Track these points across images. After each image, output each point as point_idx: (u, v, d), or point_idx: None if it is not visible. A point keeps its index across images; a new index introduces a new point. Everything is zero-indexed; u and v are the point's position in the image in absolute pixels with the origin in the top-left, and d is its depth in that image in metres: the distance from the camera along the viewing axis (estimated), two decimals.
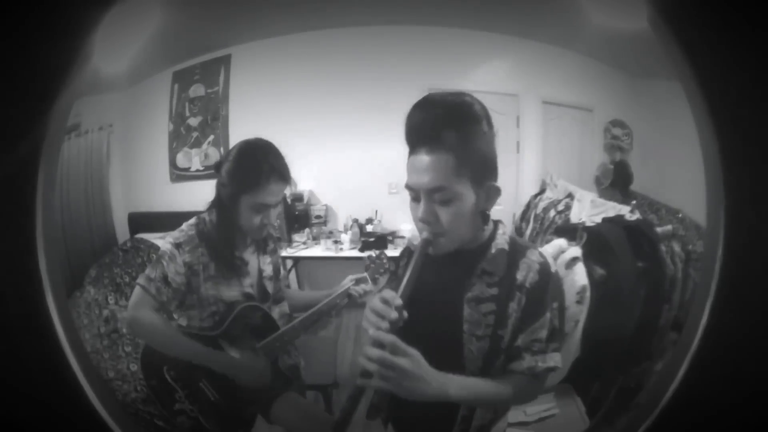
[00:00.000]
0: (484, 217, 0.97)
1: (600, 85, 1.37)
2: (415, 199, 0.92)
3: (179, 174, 1.45)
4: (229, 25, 1.35)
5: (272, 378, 1.23)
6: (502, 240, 0.97)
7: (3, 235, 0.75)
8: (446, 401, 0.86)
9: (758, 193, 0.73)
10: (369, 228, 1.50)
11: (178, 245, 1.17)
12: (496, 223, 0.99)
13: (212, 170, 1.22)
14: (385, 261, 1.26)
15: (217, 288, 1.19)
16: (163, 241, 1.20)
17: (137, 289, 1.17)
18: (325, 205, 1.52)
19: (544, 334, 0.92)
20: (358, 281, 1.24)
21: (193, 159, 1.44)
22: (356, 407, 0.88)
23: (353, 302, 1.23)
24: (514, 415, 1.12)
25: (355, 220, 1.50)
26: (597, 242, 1.29)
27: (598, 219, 1.33)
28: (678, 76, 0.79)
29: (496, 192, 0.93)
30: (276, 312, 1.26)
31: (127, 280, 1.35)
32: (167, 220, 1.31)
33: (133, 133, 1.41)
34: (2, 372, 0.77)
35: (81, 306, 1.32)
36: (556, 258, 1.23)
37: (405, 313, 0.86)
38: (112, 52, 0.92)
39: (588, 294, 1.23)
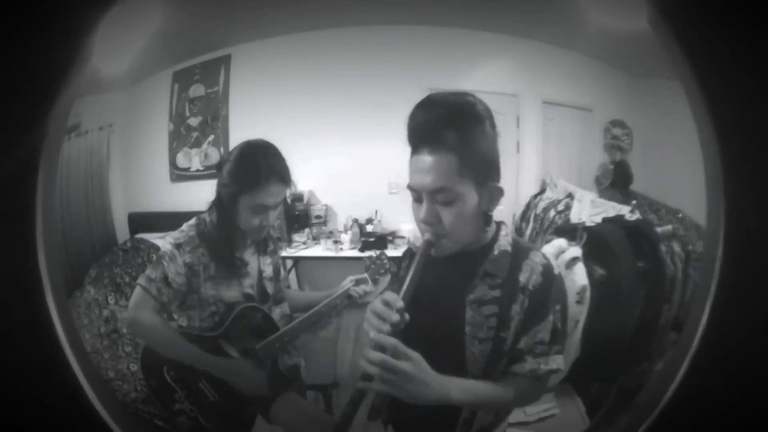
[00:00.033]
0: (487, 218, 0.96)
1: (600, 85, 1.37)
2: (417, 199, 0.91)
3: (179, 174, 1.44)
4: (229, 25, 1.35)
5: (270, 384, 1.22)
6: (504, 241, 0.96)
7: (3, 235, 0.75)
8: (448, 404, 0.85)
9: (758, 193, 0.73)
10: (369, 228, 1.50)
11: (178, 246, 1.17)
12: (499, 224, 0.98)
13: (213, 170, 1.22)
14: (385, 261, 1.26)
15: (217, 288, 1.19)
16: (163, 241, 1.20)
17: (138, 290, 1.17)
18: (325, 205, 1.52)
19: (546, 336, 0.92)
20: (358, 282, 1.24)
21: (193, 159, 1.44)
22: (357, 411, 0.88)
23: (353, 303, 1.23)
24: (514, 415, 1.12)
25: (355, 220, 1.50)
26: (597, 242, 1.29)
27: (598, 219, 1.33)
28: (678, 75, 0.79)
29: (499, 193, 0.92)
30: (277, 313, 1.26)
31: (127, 280, 1.35)
32: (167, 220, 1.31)
33: (133, 133, 1.41)
34: (2, 372, 0.77)
35: (81, 306, 1.32)
36: (556, 258, 1.23)
37: (407, 316, 0.85)
38: (112, 52, 0.92)
39: (588, 294, 1.23)
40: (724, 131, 0.73)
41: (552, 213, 1.41)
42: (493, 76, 1.33)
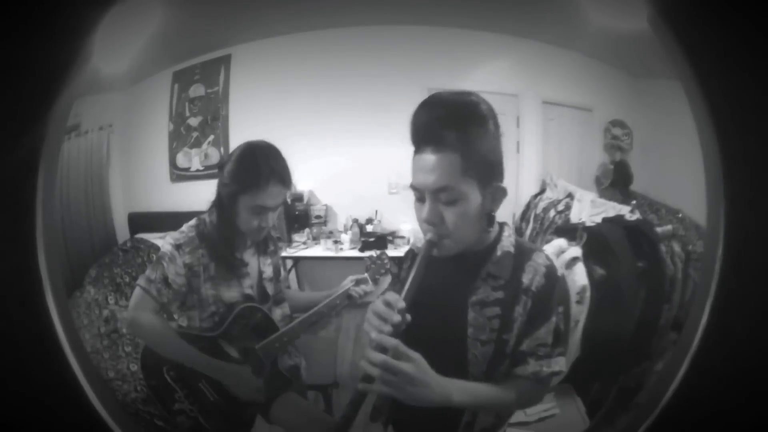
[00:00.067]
0: (490, 219, 0.95)
1: (600, 85, 1.37)
2: (420, 199, 0.90)
3: (179, 174, 1.44)
4: (229, 24, 1.35)
5: (268, 388, 1.22)
6: (507, 242, 0.95)
7: (3, 235, 0.75)
8: (449, 406, 0.84)
9: (758, 193, 0.73)
10: (369, 228, 1.50)
11: (178, 246, 1.17)
12: (502, 225, 0.97)
13: (214, 170, 1.22)
14: (386, 261, 1.26)
15: (217, 289, 1.19)
16: (163, 241, 1.20)
17: (137, 290, 1.17)
18: (325, 205, 1.52)
19: (549, 338, 0.91)
20: (358, 282, 1.24)
21: (193, 159, 1.44)
22: (357, 412, 0.87)
23: (353, 303, 1.23)
24: (514, 415, 1.12)
25: (355, 220, 1.50)
26: (597, 242, 1.29)
27: (598, 219, 1.33)
28: (678, 75, 0.79)
29: (503, 193, 0.92)
30: (277, 313, 1.26)
31: (127, 280, 1.35)
32: (167, 220, 1.31)
33: (133, 133, 1.41)
34: (2, 372, 0.77)
35: (81, 306, 1.32)
36: (556, 258, 1.23)
37: (408, 317, 0.84)
38: (112, 52, 0.92)
39: (588, 294, 1.23)
40: (724, 131, 0.73)
41: (552, 213, 1.41)
42: (493, 76, 1.34)
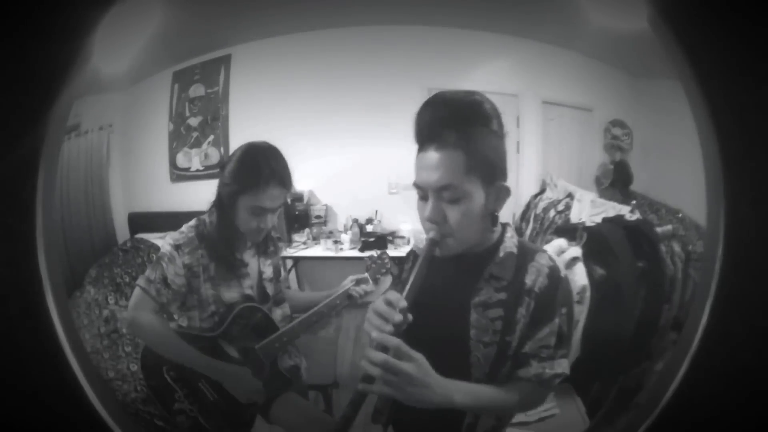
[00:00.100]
0: (494, 219, 0.94)
1: (600, 85, 1.37)
2: (423, 197, 0.90)
3: (179, 174, 1.45)
4: (229, 25, 1.35)
5: (267, 389, 1.22)
6: (510, 243, 0.95)
7: (3, 235, 0.75)
8: (451, 408, 0.83)
9: (758, 193, 0.73)
10: (369, 228, 1.50)
11: (177, 247, 1.17)
12: (504, 225, 0.97)
13: (213, 170, 1.22)
14: (386, 261, 1.25)
15: (216, 289, 1.19)
16: (162, 242, 1.20)
17: (137, 291, 1.17)
18: (325, 205, 1.52)
19: (552, 340, 0.90)
20: (358, 282, 1.24)
21: (193, 159, 1.44)
22: (357, 412, 0.85)
23: (354, 303, 1.22)
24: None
25: (355, 220, 1.50)
26: (597, 242, 1.29)
27: (598, 219, 1.33)
28: (678, 75, 0.79)
29: (506, 192, 0.91)
30: (277, 313, 1.26)
31: (127, 280, 1.35)
32: (167, 220, 1.31)
33: (133, 133, 1.41)
34: (2, 372, 0.77)
35: (81, 306, 1.32)
36: (556, 258, 1.23)
37: (410, 316, 0.83)
38: (112, 52, 0.92)
39: (588, 294, 1.23)
40: (724, 131, 0.73)
41: (552, 213, 1.41)
42: (493, 76, 1.34)
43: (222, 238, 1.19)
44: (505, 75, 1.35)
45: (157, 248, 1.23)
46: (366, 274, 1.25)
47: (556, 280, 0.91)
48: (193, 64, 1.42)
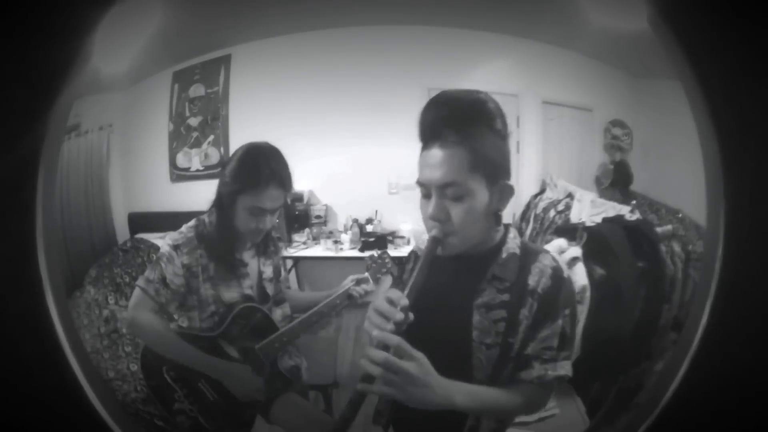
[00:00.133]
0: (497, 218, 0.94)
1: (600, 85, 1.37)
2: (426, 195, 0.89)
3: (179, 174, 1.44)
4: (229, 25, 1.35)
5: (268, 388, 1.22)
6: (513, 244, 0.94)
7: (3, 235, 0.75)
8: (452, 410, 0.82)
9: (758, 193, 0.73)
10: (369, 228, 1.50)
11: (176, 247, 1.17)
12: (507, 226, 0.96)
13: (214, 170, 1.22)
14: (387, 261, 1.25)
15: (216, 289, 1.19)
16: (162, 242, 1.20)
17: (137, 291, 1.18)
18: (325, 205, 1.52)
19: (555, 341, 0.89)
20: (359, 281, 1.24)
21: (193, 159, 1.44)
22: (356, 413, 0.84)
23: (354, 303, 1.22)
24: None
25: (355, 220, 1.50)
26: (597, 242, 1.29)
27: (598, 219, 1.33)
28: (678, 75, 0.79)
29: (510, 191, 0.91)
30: (278, 314, 1.26)
31: (127, 280, 1.35)
32: (167, 220, 1.31)
33: (133, 133, 1.41)
34: (2, 372, 0.77)
35: (81, 306, 1.32)
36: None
37: (411, 315, 0.82)
38: (112, 52, 0.92)
39: (588, 294, 1.23)
40: (724, 131, 0.73)
41: (552, 213, 1.41)
42: (493, 76, 1.34)
43: (221, 238, 1.19)
44: (505, 75, 1.35)
45: (157, 248, 1.23)
46: (366, 274, 1.25)
47: (559, 280, 0.91)
48: (193, 64, 1.42)
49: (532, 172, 1.44)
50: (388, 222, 1.49)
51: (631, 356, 1.22)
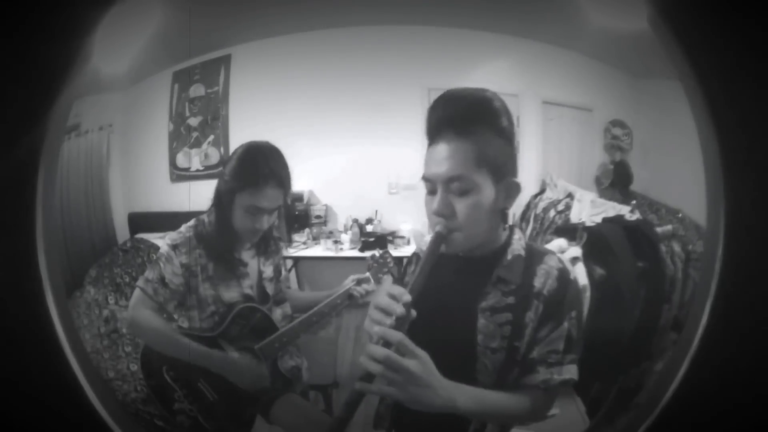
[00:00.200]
0: (504, 216, 0.92)
1: (600, 85, 1.37)
2: (431, 191, 0.88)
3: (179, 174, 1.44)
4: (229, 25, 1.35)
5: (272, 380, 1.22)
6: (518, 245, 0.93)
7: (3, 235, 0.75)
8: (454, 413, 0.79)
9: (758, 193, 0.73)
10: (369, 228, 1.50)
11: (174, 247, 1.17)
12: (512, 228, 0.95)
13: (214, 170, 1.22)
14: (388, 260, 1.25)
15: (216, 289, 1.19)
16: (162, 242, 1.20)
17: (136, 291, 1.18)
18: (325, 205, 1.52)
19: (561, 345, 0.87)
20: (359, 281, 1.23)
21: (193, 159, 1.44)
22: (353, 414, 0.80)
23: (354, 303, 1.22)
24: None
25: (355, 220, 1.50)
26: (597, 242, 1.29)
27: (598, 219, 1.33)
28: (678, 75, 0.79)
29: (517, 188, 0.90)
30: (278, 313, 1.26)
31: (127, 280, 1.35)
32: (167, 220, 1.31)
33: (133, 133, 1.41)
34: (2, 372, 0.77)
35: (81, 306, 1.32)
36: None
37: (413, 312, 0.80)
38: (112, 52, 0.92)
39: (588, 294, 1.23)
40: (724, 131, 0.73)
41: (552, 213, 1.41)
42: (493, 76, 1.33)
43: (220, 237, 1.19)
44: (505, 75, 1.35)
45: (157, 248, 1.23)
46: (367, 274, 1.24)
47: (565, 282, 0.89)
48: (193, 64, 1.42)
49: (532, 172, 1.44)
50: (388, 222, 1.49)
51: (631, 356, 1.22)
